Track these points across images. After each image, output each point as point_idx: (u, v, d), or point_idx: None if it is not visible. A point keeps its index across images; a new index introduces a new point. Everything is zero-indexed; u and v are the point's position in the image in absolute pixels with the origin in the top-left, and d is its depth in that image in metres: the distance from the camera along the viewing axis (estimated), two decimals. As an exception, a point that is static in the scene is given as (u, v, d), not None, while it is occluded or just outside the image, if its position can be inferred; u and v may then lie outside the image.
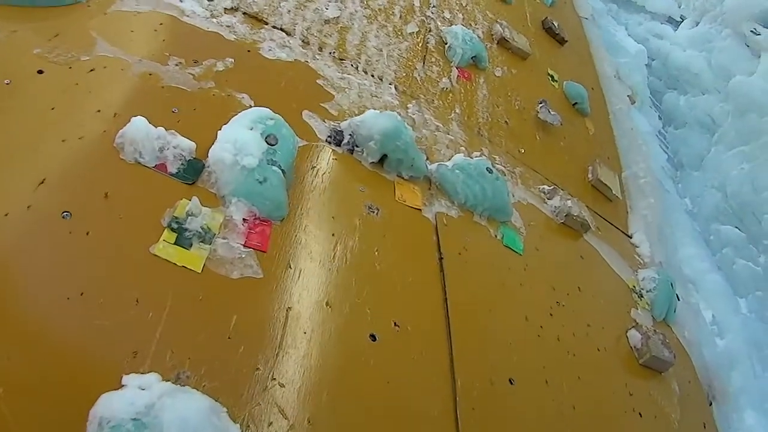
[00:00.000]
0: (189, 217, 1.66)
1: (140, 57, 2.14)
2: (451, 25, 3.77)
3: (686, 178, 5.72)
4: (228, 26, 2.57)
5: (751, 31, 6.10)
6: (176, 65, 2.21)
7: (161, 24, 2.36)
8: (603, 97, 4.91)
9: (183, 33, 2.39)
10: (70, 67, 1.96)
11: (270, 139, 1.90)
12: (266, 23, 2.75)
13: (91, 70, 1.99)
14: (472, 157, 2.76)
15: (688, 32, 6.80)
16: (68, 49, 2.00)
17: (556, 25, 4.88)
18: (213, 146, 1.85)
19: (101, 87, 1.96)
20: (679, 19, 7.21)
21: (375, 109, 2.60)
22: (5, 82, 1.80)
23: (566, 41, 4.96)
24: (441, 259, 2.21)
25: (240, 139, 1.83)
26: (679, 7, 7.29)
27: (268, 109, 2.03)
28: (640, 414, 2.48)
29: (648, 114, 5.93)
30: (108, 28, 2.19)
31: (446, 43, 3.56)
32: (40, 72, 1.89)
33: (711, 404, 3.08)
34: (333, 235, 1.98)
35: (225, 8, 2.64)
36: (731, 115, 5.71)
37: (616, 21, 7.34)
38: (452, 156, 2.69)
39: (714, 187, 5.42)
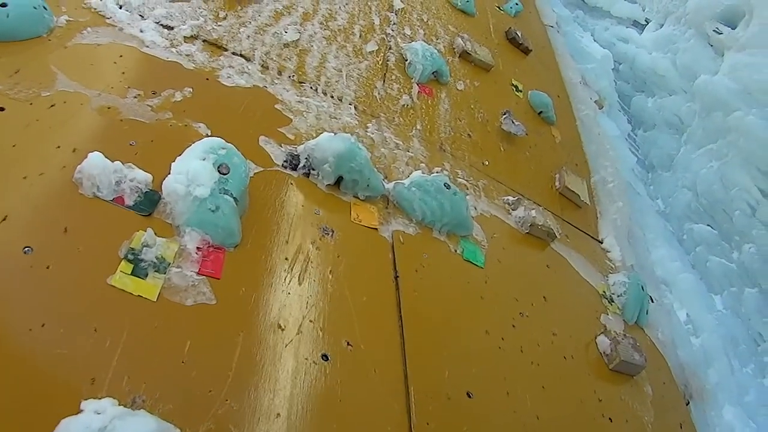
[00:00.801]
0: (144, 248, 1.70)
1: (99, 91, 2.18)
2: (412, 41, 3.83)
3: (657, 180, 5.81)
4: (187, 55, 2.61)
5: (714, 31, 6.19)
6: (135, 97, 2.24)
7: (121, 56, 2.39)
8: (569, 104, 4.98)
9: (142, 64, 2.43)
10: (31, 104, 1.99)
11: (222, 168, 1.93)
12: (226, 50, 2.79)
13: (52, 106, 2.02)
14: (431, 174, 2.80)
15: (653, 35, 6.90)
16: (29, 85, 2.03)
17: (519, 35, 4.96)
18: (167, 178, 1.88)
19: (61, 123, 1.98)
20: (644, 23, 7.31)
21: (333, 130, 2.66)
22: None
23: (531, 51, 5.03)
24: (396, 277, 2.26)
25: (192, 169, 1.87)
26: (644, 10, 7.39)
27: (220, 139, 2.06)
28: (610, 419, 2.52)
29: (617, 118, 6.01)
30: (68, 62, 2.22)
31: (406, 60, 3.61)
32: (1, 109, 1.91)
33: (688, 403, 3.13)
34: (286, 258, 2.02)
35: (185, 37, 2.69)
36: (698, 115, 5.80)
37: (582, 27, 7.44)
38: (411, 173, 2.73)
39: (685, 187, 5.51)
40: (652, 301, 3.41)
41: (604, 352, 2.76)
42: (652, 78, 6.45)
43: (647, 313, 3.24)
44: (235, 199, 1.91)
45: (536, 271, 2.96)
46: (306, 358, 1.79)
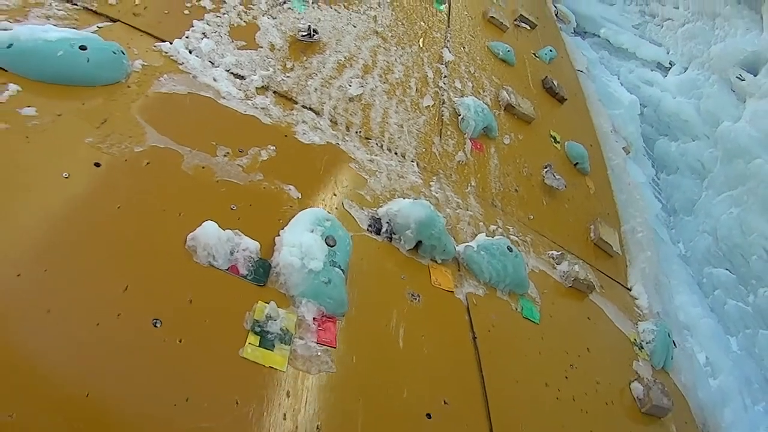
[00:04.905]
0: (269, 321, 1.84)
1: (190, 147, 2.25)
2: (462, 94, 4.03)
3: (679, 223, 5.95)
4: (263, 108, 2.74)
5: (737, 77, 6.31)
6: (225, 156, 2.34)
7: (202, 108, 2.50)
8: (601, 153, 5.18)
9: (224, 118, 2.54)
10: (126, 160, 2.04)
11: (329, 240, 2.11)
12: (296, 102, 2.93)
13: (147, 163, 2.08)
14: (489, 231, 3.03)
15: (676, 78, 6.99)
16: (120, 139, 2.09)
17: (555, 84, 5.16)
18: (281, 251, 2.03)
19: (161, 183, 2.05)
20: (668, 65, 7.40)
21: (403, 190, 2.85)
22: (63, 175, 1.86)
23: (566, 99, 5.24)
24: (474, 338, 2.44)
25: (304, 243, 2.03)
26: (668, 53, 7.48)
27: (323, 210, 2.24)
28: (644, 459, 2.72)
29: (641, 162, 6.15)
30: (153, 113, 2.28)
31: (459, 115, 3.79)
32: (97, 165, 1.96)
33: (705, 441, 3.35)
34: (386, 325, 2.19)
35: (257, 87, 2.82)
36: (720, 161, 5.93)
37: (608, 70, 7.58)
38: (473, 233, 2.95)
39: (705, 231, 5.66)
40: (675, 346, 3.59)
41: (637, 397, 2.97)
42: (676, 122, 6.55)
43: (672, 358, 3.44)
44: (342, 270, 2.08)
45: (580, 323, 3.16)
46: (413, 417, 1.98)
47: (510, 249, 2.81)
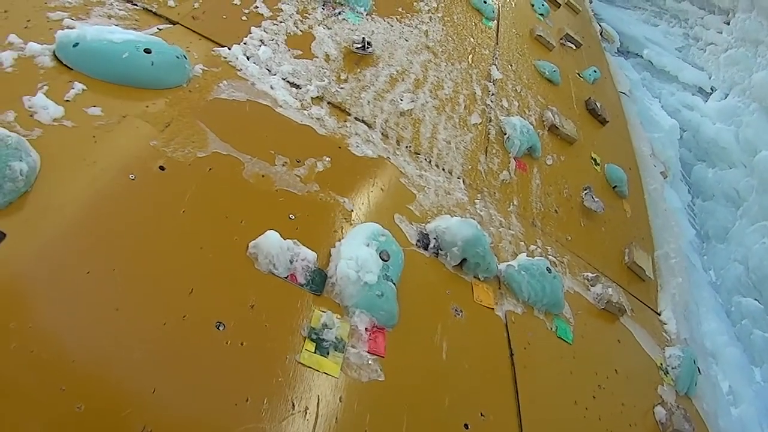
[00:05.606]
0: (324, 329, 1.95)
1: (250, 155, 2.33)
2: (509, 113, 4.11)
3: (712, 251, 5.96)
4: (318, 119, 2.81)
5: (777, 107, 6.31)
6: (283, 165, 2.42)
7: (261, 116, 2.57)
8: (639, 176, 5.24)
9: (282, 127, 2.61)
10: (189, 165, 2.10)
11: (383, 255, 2.22)
12: (349, 114, 3.02)
13: (210, 169, 2.15)
14: (529, 251, 3.13)
15: (717, 104, 6.97)
16: (183, 143, 2.16)
17: (598, 105, 5.23)
18: (339, 263, 2.13)
19: (223, 189, 2.12)
20: (710, 90, 7.39)
21: (449, 207, 2.95)
22: (130, 176, 1.93)
23: (607, 121, 5.31)
24: (512, 355, 2.54)
25: (360, 256, 2.14)
26: (710, 78, 7.47)
27: (378, 225, 2.34)
28: (665, 482, 2.83)
29: (678, 187, 6.16)
30: (214, 119, 2.35)
31: (505, 134, 3.87)
32: (161, 168, 2.02)
33: (723, 469, 3.44)
34: (431, 338, 2.29)
35: (312, 98, 2.90)
36: (755, 191, 5.93)
37: (650, 91, 7.60)
38: (513, 251, 3.04)
39: (737, 260, 5.66)
40: (700, 373, 3.66)
41: (660, 421, 3.04)
42: (714, 149, 6.53)
43: (696, 385, 3.51)
44: (394, 284, 2.20)
45: (610, 345, 3.24)
46: (451, 427, 2.08)
47: (549, 270, 2.91)
